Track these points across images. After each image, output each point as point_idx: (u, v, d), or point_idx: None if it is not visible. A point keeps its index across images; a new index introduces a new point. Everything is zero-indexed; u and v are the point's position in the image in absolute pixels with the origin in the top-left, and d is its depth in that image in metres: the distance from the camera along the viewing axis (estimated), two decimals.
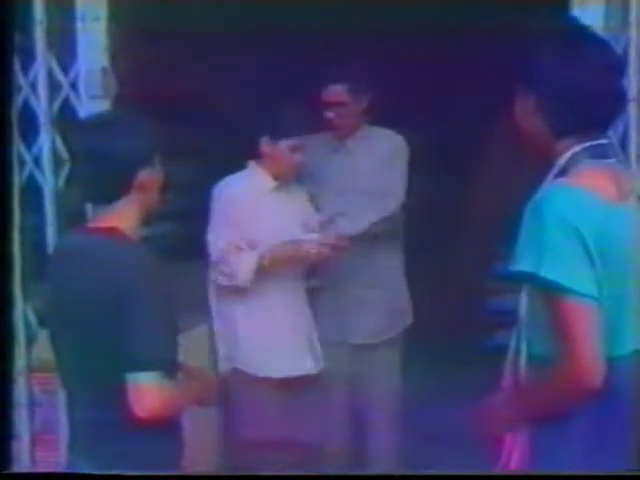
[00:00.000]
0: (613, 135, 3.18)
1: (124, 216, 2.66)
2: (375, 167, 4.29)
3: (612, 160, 2.34)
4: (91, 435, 2.62)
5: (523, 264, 2.23)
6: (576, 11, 3.40)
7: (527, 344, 2.34)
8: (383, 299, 4.34)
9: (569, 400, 2.23)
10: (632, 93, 3.38)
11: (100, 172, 2.62)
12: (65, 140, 3.77)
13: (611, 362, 2.20)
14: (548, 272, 2.18)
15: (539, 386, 2.32)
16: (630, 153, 3.41)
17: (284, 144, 4.01)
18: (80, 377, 2.63)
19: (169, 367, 2.58)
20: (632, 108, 3.39)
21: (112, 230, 2.64)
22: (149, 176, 2.67)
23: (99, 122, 2.81)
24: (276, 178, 4.09)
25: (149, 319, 2.52)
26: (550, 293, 2.21)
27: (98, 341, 2.56)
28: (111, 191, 2.65)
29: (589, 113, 2.32)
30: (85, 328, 2.57)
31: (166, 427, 2.59)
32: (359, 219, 4.18)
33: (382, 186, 4.26)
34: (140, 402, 2.49)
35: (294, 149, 4.02)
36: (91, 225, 2.74)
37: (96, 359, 2.57)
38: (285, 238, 4.01)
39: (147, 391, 2.50)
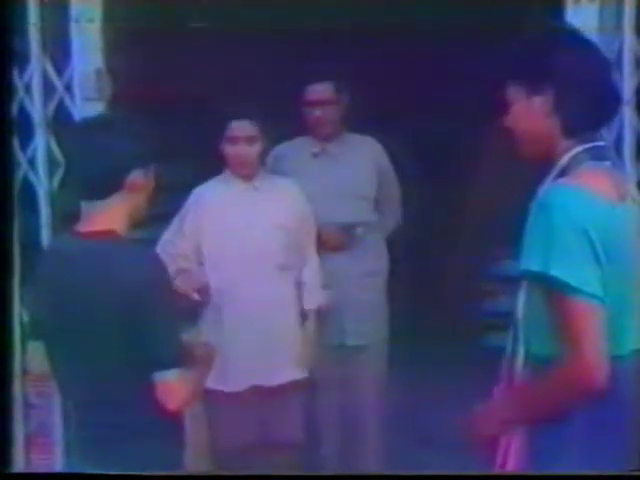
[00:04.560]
0: (608, 138, 3.19)
1: (114, 217, 2.64)
2: (370, 173, 4.30)
3: (609, 162, 2.35)
4: (94, 438, 2.63)
5: (531, 263, 2.23)
6: (570, 12, 3.41)
7: (525, 344, 2.34)
8: (375, 301, 4.35)
9: (573, 399, 2.23)
10: (626, 95, 3.38)
11: (92, 170, 2.62)
12: (60, 142, 3.76)
13: (610, 362, 2.20)
14: (557, 272, 2.18)
15: (541, 386, 2.31)
16: (624, 155, 3.41)
17: (238, 137, 3.91)
18: (88, 381, 2.63)
19: (184, 361, 2.63)
20: (626, 110, 3.39)
21: (109, 233, 2.62)
22: (140, 178, 2.67)
23: (94, 123, 2.83)
24: (245, 180, 4.00)
25: (168, 318, 2.59)
26: (557, 293, 2.21)
27: (113, 344, 2.57)
28: (102, 189, 2.64)
29: (604, 111, 2.34)
30: (96, 333, 2.57)
31: (167, 429, 2.63)
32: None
33: (381, 192, 4.30)
34: (170, 397, 2.58)
35: (250, 141, 3.93)
36: (83, 229, 2.70)
37: (110, 363, 2.59)
38: (254, 241, 3.92)
39: (175, 386, 2.58)
